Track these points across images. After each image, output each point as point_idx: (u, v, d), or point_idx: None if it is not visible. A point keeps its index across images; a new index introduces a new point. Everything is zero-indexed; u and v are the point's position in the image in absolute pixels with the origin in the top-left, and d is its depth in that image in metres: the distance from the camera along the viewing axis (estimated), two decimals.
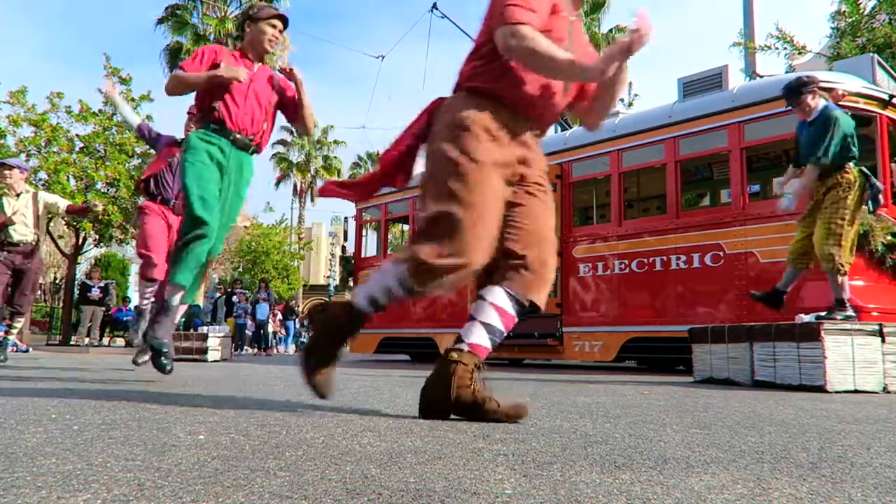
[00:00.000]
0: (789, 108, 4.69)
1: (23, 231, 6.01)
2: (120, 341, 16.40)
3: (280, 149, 38.53)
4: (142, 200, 5.01)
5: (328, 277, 35.69)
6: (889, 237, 5.99)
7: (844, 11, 10.25)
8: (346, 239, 11.95)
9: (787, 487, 1.18)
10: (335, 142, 38.99)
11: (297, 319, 21.56)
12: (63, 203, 6.33)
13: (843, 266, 4.26)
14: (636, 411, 2.52)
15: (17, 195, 6.07)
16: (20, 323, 6.31)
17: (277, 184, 39.05)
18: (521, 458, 1.42)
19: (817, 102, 4.45)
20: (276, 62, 21.96)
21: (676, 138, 7.21)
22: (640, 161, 7.74)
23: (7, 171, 6.03)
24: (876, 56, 6.89)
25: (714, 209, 8.24)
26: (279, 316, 19.14)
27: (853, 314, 4.34)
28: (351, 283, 12.32)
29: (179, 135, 4.77)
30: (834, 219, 4.25)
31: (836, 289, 4.35)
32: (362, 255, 11.35)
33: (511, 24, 2.01)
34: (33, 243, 6.07)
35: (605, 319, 7.59)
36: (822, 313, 4.35)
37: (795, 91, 4.47)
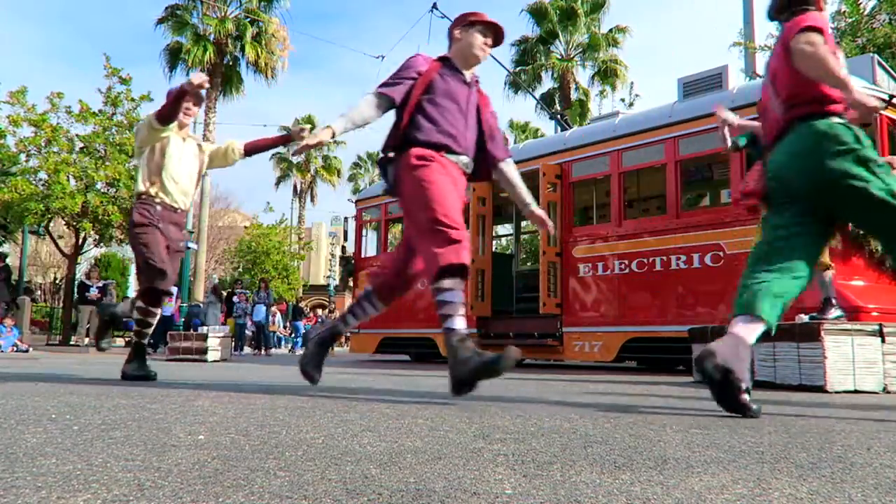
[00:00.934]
0: None
1: (187, 189, 4.08)
2: (120, 341, 16.39)
3: (280, 149, 38.46)
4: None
5: (328, 277, 35.70)
6: None
7: (844, 11, 10.24)
8: (346, 239, 11.94)
9: (787, 487, 1.18)
10: (335, 142, 39.00)
11: (304, 320, 21.56)
12: (238, 144, 4.26)
13: (826, 261, 4.40)
14: (636, 411, 2.52)
15: (185, 139, 4.09)
16: (154, 319, 4.21)
17: (277, 184, 39.11)
18: (521, 458, 1.42)
19: None
20: (277, 63, 21.71)
21: (676, 138, 7.21)
22: (640, 161, 7.74)
23: (192, 106, 4.06)
24: (876, 56, 6.88)
25: (714, 209, 8.23)
26: (278, 316, 19.13)
27: (842, 312, 4.45)
28: (351, 284, 12.29)
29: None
30: None
31: (825, 288, 4.43)
32: (362, 255, 11.33)
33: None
34: (187, 211, 4.21)
35: (605, 319, 7.59)
36: (814, 314, 4.41)
37: None
